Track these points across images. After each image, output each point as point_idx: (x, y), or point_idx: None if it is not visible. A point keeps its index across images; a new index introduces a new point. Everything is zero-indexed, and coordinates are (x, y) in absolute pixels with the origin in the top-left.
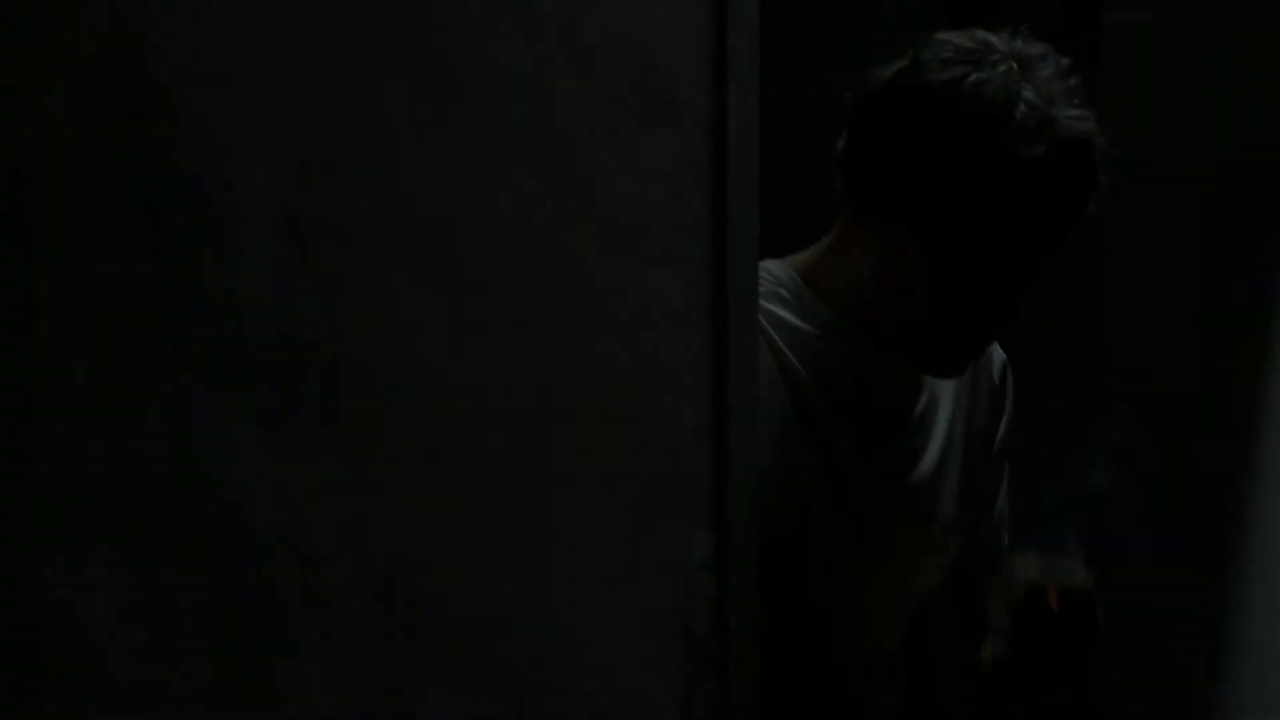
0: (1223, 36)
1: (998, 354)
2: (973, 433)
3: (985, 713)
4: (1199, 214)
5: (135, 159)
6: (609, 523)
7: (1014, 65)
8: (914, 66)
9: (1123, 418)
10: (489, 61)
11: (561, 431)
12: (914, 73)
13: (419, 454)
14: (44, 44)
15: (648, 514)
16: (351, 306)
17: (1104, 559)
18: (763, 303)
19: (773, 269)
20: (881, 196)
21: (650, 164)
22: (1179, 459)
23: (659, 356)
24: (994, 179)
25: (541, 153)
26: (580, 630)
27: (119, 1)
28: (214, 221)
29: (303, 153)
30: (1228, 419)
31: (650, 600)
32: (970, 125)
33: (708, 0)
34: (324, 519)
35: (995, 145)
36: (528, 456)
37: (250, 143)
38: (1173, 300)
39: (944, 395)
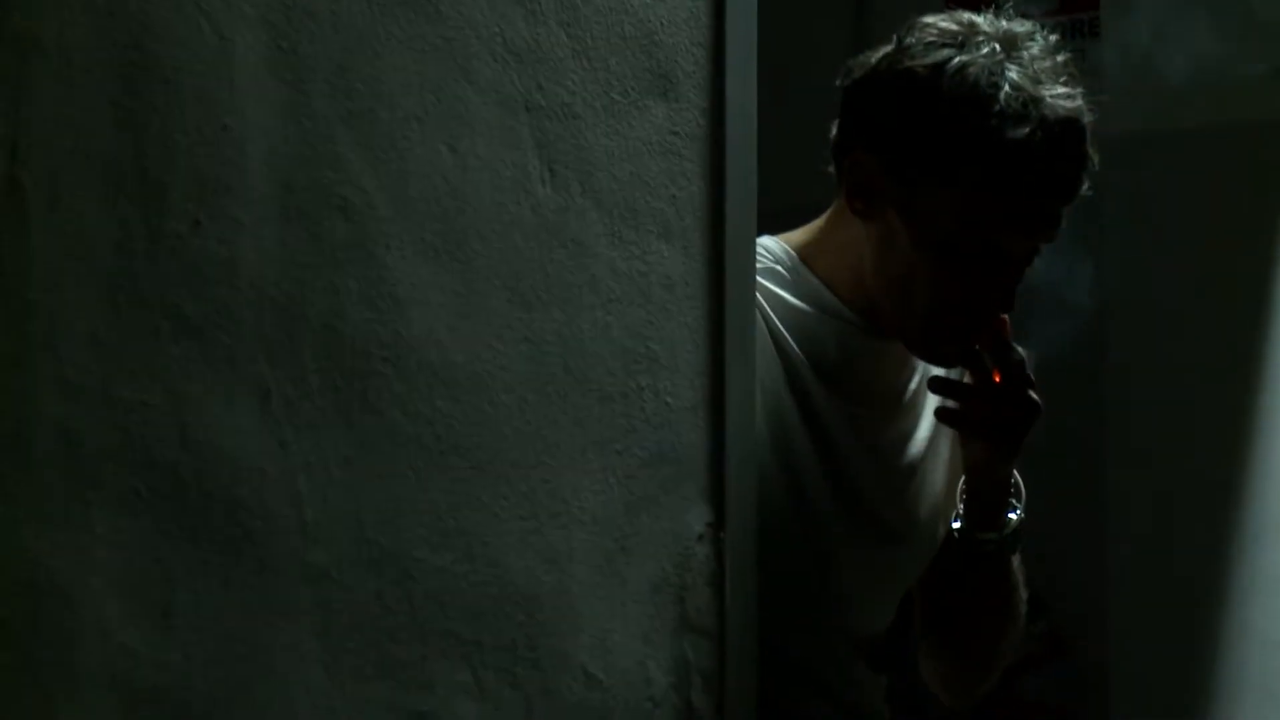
0: (1219, 16)
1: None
2: None
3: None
4: (1196, 190)
5: (133, 132)
6: (606, 497)
7: (998, 46)
8: (898, 51)
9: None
10: (488, 35)
11: (559, 406)
12: (898, 58)
13: (417, 428)
14: (42, 17)
15: (645, 489)
16: (350, 280)
17: (1104, 553)
18: (759, 279)
19: (770, 246)
20: (874, 184)
21: (648, 138)
22: (1178, 452)
23: (656, 331)
24: (982, 162)
25: (540, 126)
26: (577, 604)
27: None
28: (212, 194)
29: (301, 125)
30: (1228, 408)
31: (647, 574)
32: (955, 108)
33: None
34: (322, 492)
35: (981, 127)
36: (525, 431)
37: (248, 115)
38: (1169, 279)
39: (935, 374)
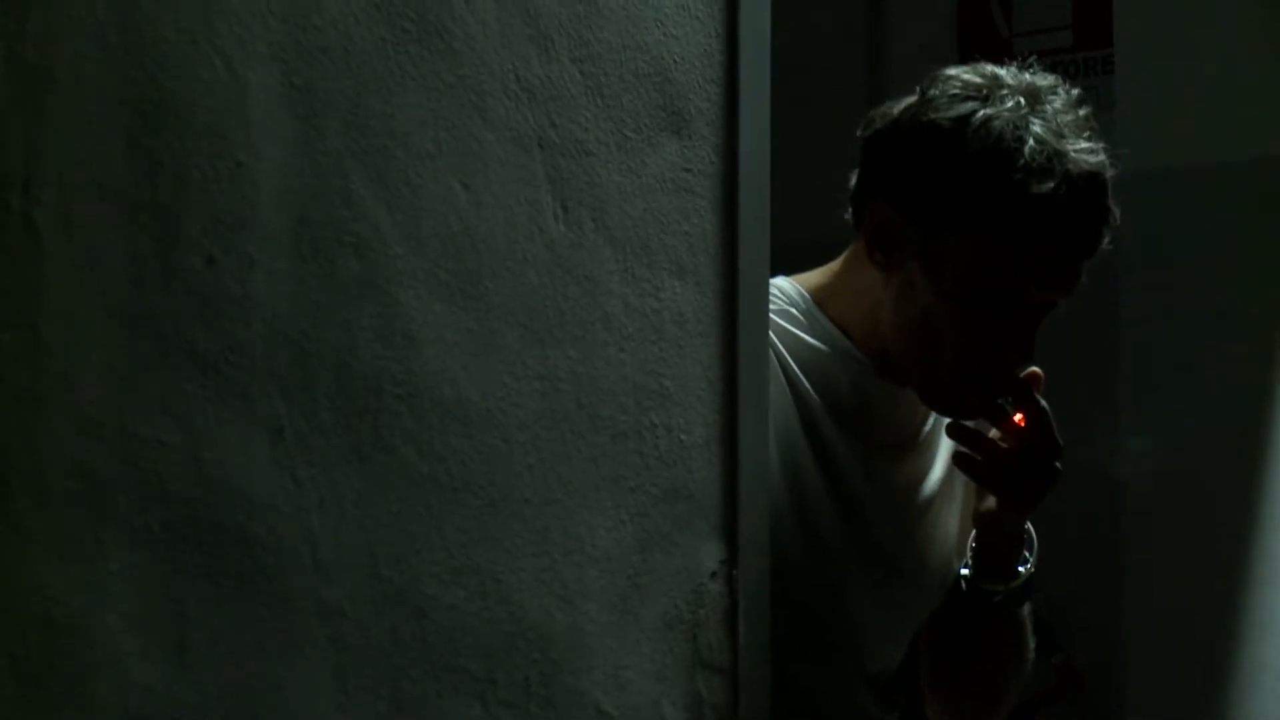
0: (1232, 52)
1: None
2: None
3: None
4: (1211, 226)
5: (147, 167)
6: (619, 534)
7: (1022, 99)
8: (921, 103)
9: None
10: (502, 72)
11: (572, 442)
12: (922, 110)
13: (430, 465)
14: (56, 53)
15: (657, 526)
16: (363, 316)
17: (1119, 589)
18: (773, 319)
19: (783, 287)
20: (894, 234)
21: (661, 175)
22: (1193, 489)
23: (669, 368)
24: (1006, 215)
25: (553, 164)
26: (590, 641)
27: (131, 8)
28: (225, 230)
29: (314, 162)
30: (1243, 447)
31: (660, 611)
32: (980, 161)
33: (719, 12)
34: (335, 529)
35: (1006, 181)
36: (538, 467)
37: (262, 151)
38: (1183, 312)
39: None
